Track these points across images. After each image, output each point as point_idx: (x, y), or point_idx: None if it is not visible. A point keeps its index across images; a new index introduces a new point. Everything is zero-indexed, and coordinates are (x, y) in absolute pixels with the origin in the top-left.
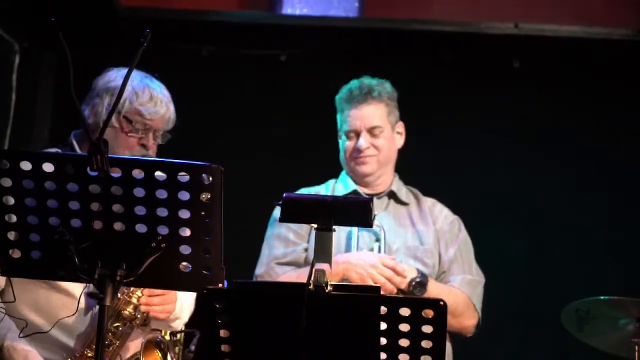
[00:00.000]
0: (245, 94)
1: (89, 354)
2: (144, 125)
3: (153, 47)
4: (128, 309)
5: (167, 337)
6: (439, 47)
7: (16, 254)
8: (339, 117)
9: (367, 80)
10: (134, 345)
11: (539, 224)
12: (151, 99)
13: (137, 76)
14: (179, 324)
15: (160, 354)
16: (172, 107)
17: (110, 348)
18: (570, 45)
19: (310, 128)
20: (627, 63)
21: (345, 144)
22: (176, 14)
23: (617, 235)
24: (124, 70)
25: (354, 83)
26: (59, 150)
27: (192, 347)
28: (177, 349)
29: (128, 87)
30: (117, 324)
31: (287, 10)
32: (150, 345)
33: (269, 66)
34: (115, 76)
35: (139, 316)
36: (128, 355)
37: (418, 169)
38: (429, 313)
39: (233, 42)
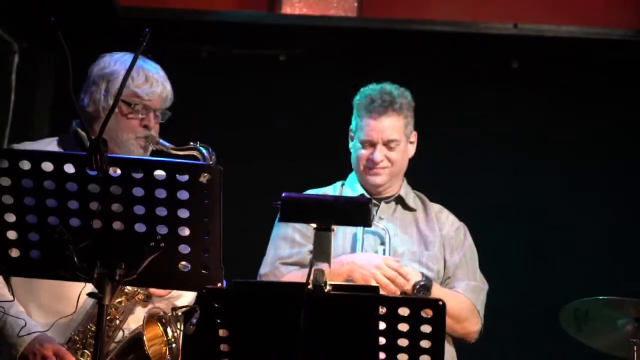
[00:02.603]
0: (245, 93)
1: (93, 328)
2: (143, 106)
3: (152, 47)
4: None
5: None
6: (438, 47)
7: (15, 253)
8: (355, 120)
9: (388, 88)
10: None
11: (539, 224)
12: (147, 80)
13: (130, 59)
14: (183, 301)
15: (161, 328)
16: (168, 86)
17: (113, 323)
18: (570, 46)
19: (311, 128)
20: (627, 63)
21: (359, 151)
22: (175, 13)
23: (616, 236)
24: (117, 55)
25: (375, 89)
26: (57, 140)
27: (194, 321)
28: (178, 324)
29: (122, 72)
30: (119, 300)
31: (287, 10)
32: (152, 319)
33: (269, 66)
34: (109, 62)
35: (141, 292)
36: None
37: (416, 169)
38: (428, 313)
39: (232, 42)
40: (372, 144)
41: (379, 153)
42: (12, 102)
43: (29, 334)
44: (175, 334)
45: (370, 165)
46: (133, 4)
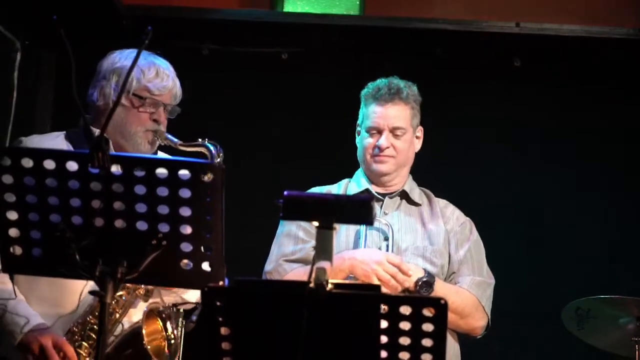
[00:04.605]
0: (247, 92)
1: (92, 321)
2: (153, 101)
3: (154, 45)
4: None
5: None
6: (440, 45)
7: (17, 251)
8: (361, 112)
9: (395, 80)
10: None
11: (540, 223)
12: (157, 74)
13: (142, 55)
14: (190, 295)
15: (161, 323)
16: (178, 83)
17: (113, 317)
18: (571, 44)
19: (313, 126)
20: (628, 62)
21: (365, 140)
22: (177, 12)
23: (618, 235)
24: (127, 51)
25: (382, 81)
26: (64, 134)
27: (194, 318)
28: (179, 320)
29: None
30: (120, 293)
31: (289, 8)
32: (152, 314)
33: (270, 64)
34: (119, 57)
35: (142, 286)
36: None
37: (417, 167)
38: (430, 311)
39: (234, 40)
40: (379, 131)
41: (385, 139)
42: (14, 100)
43: (32, 329)
44: (175, 330)
45: (376, 152)
46: (135, 2)
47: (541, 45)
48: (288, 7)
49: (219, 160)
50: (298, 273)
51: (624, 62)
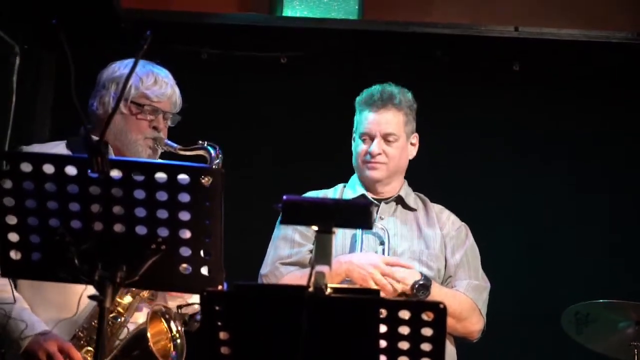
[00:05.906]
0: (246, 96)
1: (97, 325)
2: (152, 108)
3: (153, 49)
4: None
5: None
6: (439, 49)
7: (17, 255)
8: (356, 118)
9: (389, 87)
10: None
11: (539, 226)
12: (156, 82)
13: (140, 63)
14: (194, 299)
15: (165, 324)
16: (177, 90)
17: (118, 321)
18: (570, 49)
19: (311, 130)
20: (627, 66)
21: (358, 146)
22: (176, 16)
23: (617, 238)
24: (126, 61)
25: (376, 87)
26: (65, 142)
27: (198, 317)
28: (183, 321)
29: (132, 75)
30: (126, 298)
31: (287, 12)
32: (156, 316)
33: (269, 68)
34: (118, 67)
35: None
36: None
37: (417, 170)
38: (429, 316)
39: (233, 44)
40: (371, 137)
41: (377, 145)
42: (13, 104)
43: (34, 334)
44: (180, 330)
45: (368, 158)
46: (134, 6)
47: (540, 49)
48: (287, 12)
49: (218, 161)
50: (294, 276)
51: (623, 66)
